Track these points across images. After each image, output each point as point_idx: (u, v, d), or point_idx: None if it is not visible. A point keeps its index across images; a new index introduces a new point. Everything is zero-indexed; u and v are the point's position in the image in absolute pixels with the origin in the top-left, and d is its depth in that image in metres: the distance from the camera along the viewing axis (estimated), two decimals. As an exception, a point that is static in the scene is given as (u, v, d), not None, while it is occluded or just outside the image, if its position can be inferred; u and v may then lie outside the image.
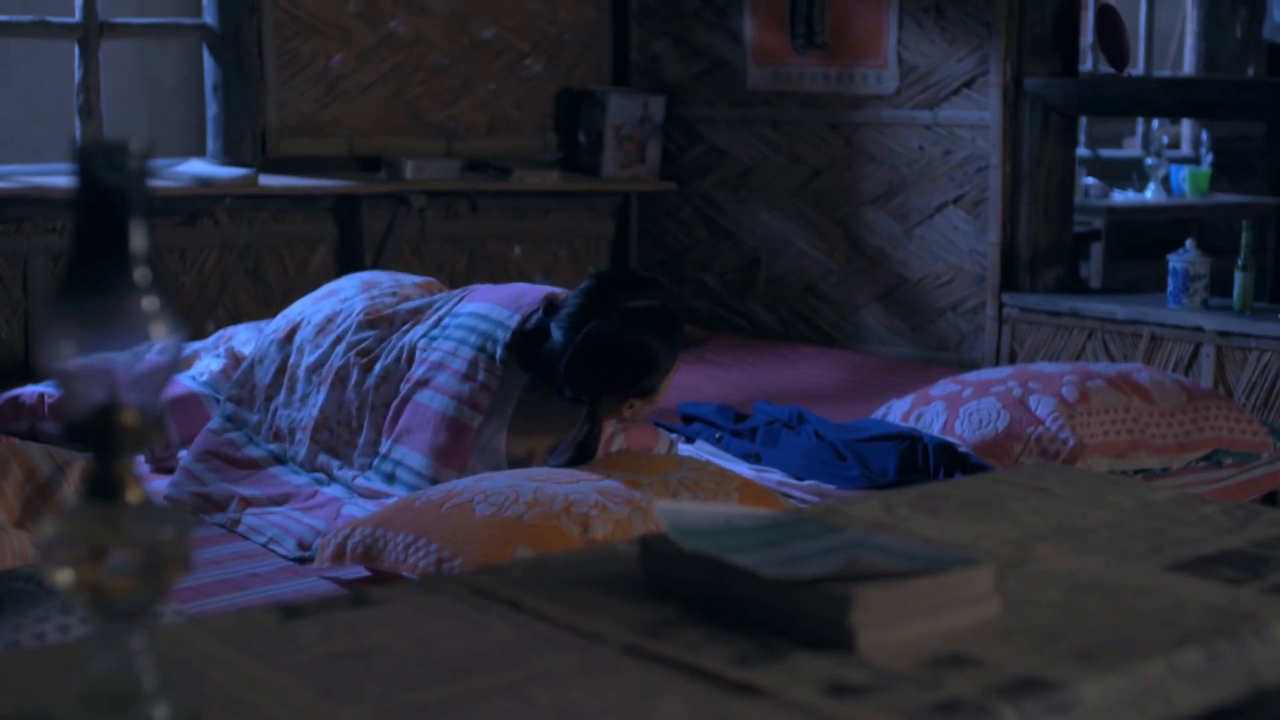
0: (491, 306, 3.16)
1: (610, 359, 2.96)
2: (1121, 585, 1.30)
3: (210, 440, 3.32)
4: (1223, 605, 1.24)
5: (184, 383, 3.64)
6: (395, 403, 3.14)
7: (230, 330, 3.96)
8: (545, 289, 3.18)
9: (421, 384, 3.12)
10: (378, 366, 3.22)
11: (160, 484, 3.29)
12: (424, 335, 3.21)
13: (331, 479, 3.18)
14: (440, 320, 3.22)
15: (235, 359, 3.72)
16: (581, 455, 2.98)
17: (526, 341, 3.05)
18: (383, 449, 3.11)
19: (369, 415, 3.18)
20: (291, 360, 3.36)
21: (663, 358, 3.01)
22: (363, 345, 3.27)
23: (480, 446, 3.02)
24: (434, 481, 2.96)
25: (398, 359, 3.21)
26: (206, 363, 3.76)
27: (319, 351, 3.31)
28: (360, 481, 3.09)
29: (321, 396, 3.25)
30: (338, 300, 3.44)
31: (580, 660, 1.12)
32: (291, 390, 3.32)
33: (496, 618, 1.21)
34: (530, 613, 1.22)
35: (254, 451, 3.29)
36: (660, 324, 3.02)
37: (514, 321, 3.09)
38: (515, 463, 3.01)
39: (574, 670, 1.10)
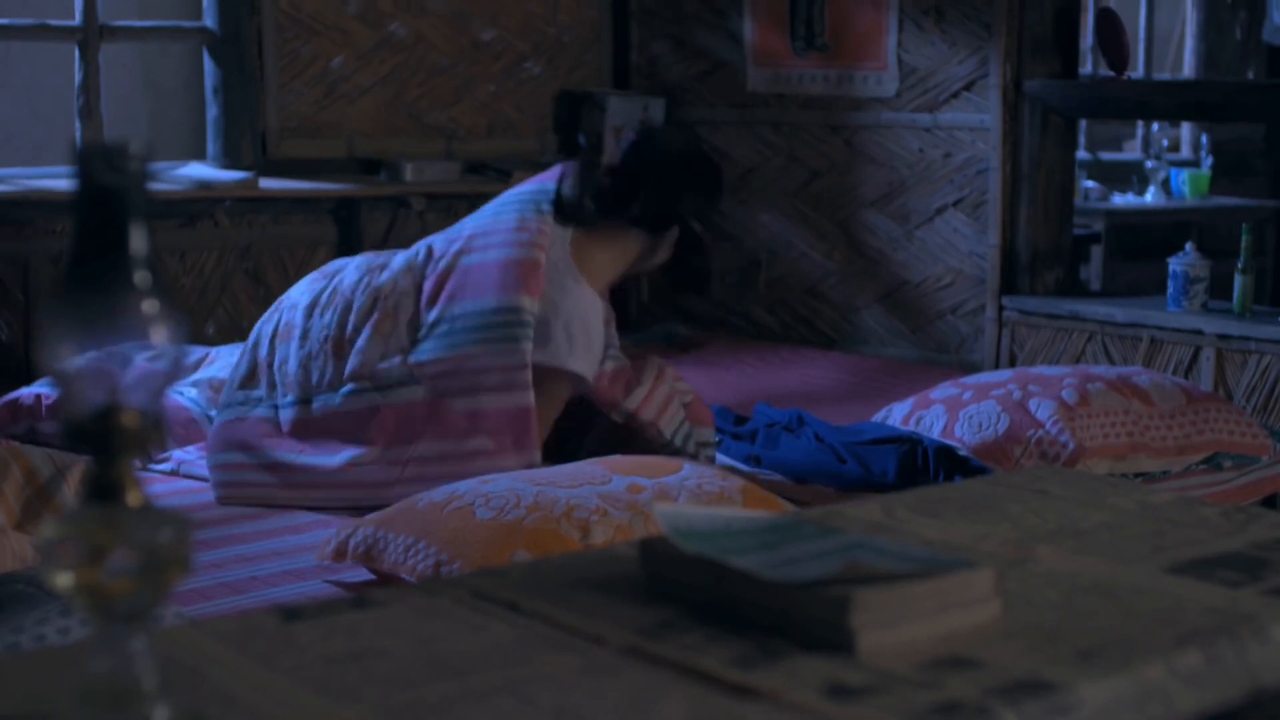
0: (520, 189, 3.26)
1: (693, 168, 3.23)
2: (1121, 587, 1.30)
3: (231, 432, 3.29)
4: (1222, 607, 1.24)
5: (176, 399, 3.62)
6: (433, 277, 3.16)
7: (214, 353, 3.94)
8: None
9: (464, 252, 3.16)
10: (396, 261, 3.26)
11: (161, 487, 3.31)
12: (443, 235, 3.26)
13: (376, 383, 3.15)
14: (454, 228, 3.30)
15: (214, 387, 3.68)
16: (698, 280, 3.25)
17: (569, 198, 3.20)
18: (428, 319, 3.11)
19: (400, 302, 3.18)
20: (284, 318, 3.33)
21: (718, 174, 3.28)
22: (372, 269, 3.31)
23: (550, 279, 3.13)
24: (510, 314, 3.07)
25: (415, 256, 3.25)
26: (185, 386, 3.72)
27: (321, 293, 3.32)
28: (412, 360, 3.11)
29: (331, 315, 3.24)
30: (326, 277, 3.43)
31: (581, 662, 1.12)
32: (289, 337, 3.29)
33: (496, 620, 1.21)
34: (530, 615, 1.22)
35: (283, 414, 3.25)
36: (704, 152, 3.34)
37: (551, 186, 3.23)
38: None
39: (574, 672, 1.10)
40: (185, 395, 3.67)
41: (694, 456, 3.27)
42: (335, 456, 3.15)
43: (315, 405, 3.21)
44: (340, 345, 3.22)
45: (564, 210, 3.22)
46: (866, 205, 5.45)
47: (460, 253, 3.19)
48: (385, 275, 3.26)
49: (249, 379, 3.32)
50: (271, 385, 3.28)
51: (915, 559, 1.22)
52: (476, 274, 3.15)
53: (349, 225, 5.29)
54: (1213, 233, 7.00)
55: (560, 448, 3.30)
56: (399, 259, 3.29)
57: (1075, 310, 4.86)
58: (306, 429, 3.21)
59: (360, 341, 3.20)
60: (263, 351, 3.33)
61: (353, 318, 3.23)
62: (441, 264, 3.19)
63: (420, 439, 3.12)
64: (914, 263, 5.34)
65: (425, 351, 3.13)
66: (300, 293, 3.37)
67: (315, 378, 3.23)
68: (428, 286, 3.19)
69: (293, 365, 3.26)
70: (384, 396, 3.15)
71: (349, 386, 3.18)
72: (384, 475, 3.12)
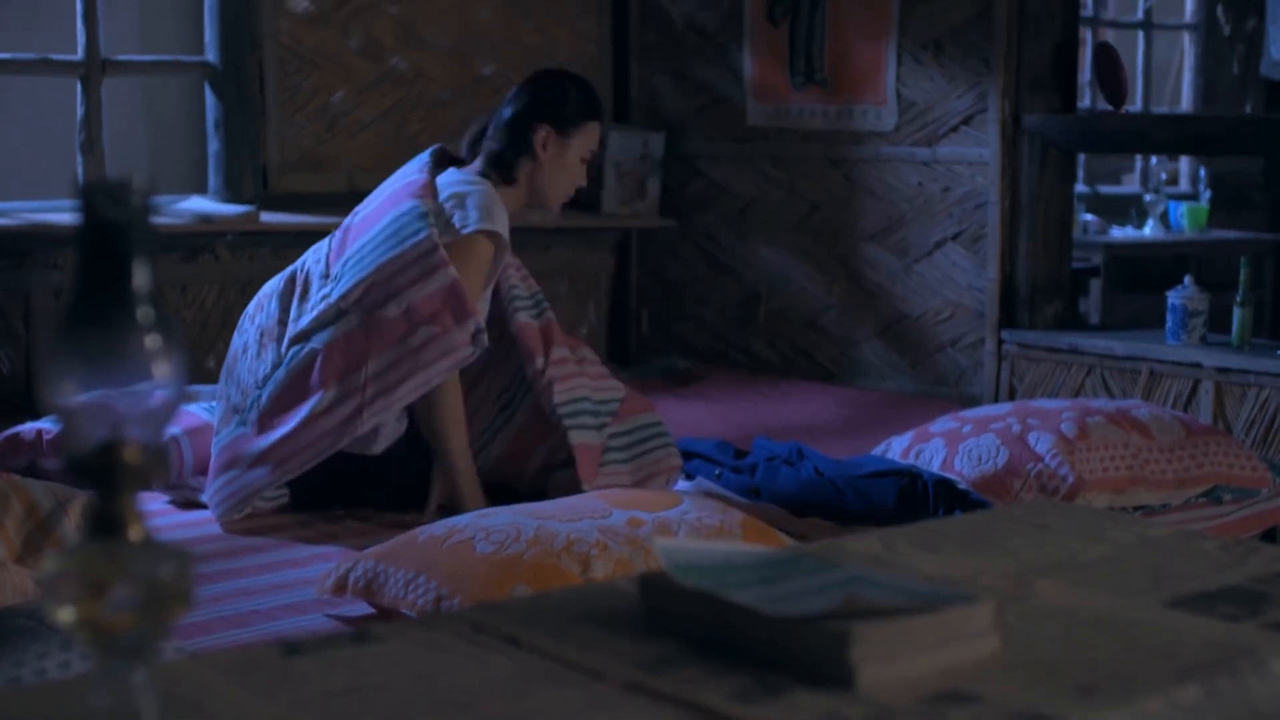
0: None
1: (528, 86, 3.51)
2: (1121, 620, 1.30)
3: (220, 460, 3.36)
4: (1222, 641, 1.24)
5: (198, 413, 3.66)
6: (337, 242, 3.39)
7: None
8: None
9: (354, 214, 3.45)
10: (306, 252, 3.50)
11: (188, 516, 3.35)
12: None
13: (309, 335, 3.31)
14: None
15: None
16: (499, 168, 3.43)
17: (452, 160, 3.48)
18: (337, 268, 3.32)
19: (312, 270, 3.42)
20: (229, 354, 3.51)
21: (574, 89, 3.49)
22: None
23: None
24: (406, 215, 3.28)
25: (320, 244, 3.48)
26: (211, 402, 3.80)
27: (248, 308, 3.55)
28: (335, 298, 3.29)
29: (261, 314, 3.44)
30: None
31: (581, 696, 1.12)
32: (235, 361, 3.47)
33: (497, 654, 1.21)
34: (530, 649, 1.22)
35: (249, 419, 3.36)
36: (573, 75, 3.61)
37: (427, 154, 3.49)
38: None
39: (575, 707, 1.10)
40: (200, 405, 3.72)
41: (563, 430, 3.47)
42: (296, 417, 3.27)
43: (265, 391, 3.33)
44: (273, 330, 3.39)
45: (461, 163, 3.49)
46: (866, 239, 5.46)
47: (352, 215, 3.48)
48: (297, 262, 3.50)
49: (221, 423, 3.44)
50: (236, 410, 3.36)
51: (915, 593, 1.22)
52: (369, 216, 3.40)
53: (349, 259, 5.30)
54: (1211, 266, 7.01)
55: (499, 399, 3.62)
56: (308, 251, 3.51)
57: (1074, 343, 4.87)
58: (270, 415, 3.33)
59: (290, 315, 3.37)
60: (223, 395, 3.48)
61: (276, 303, 3.41)
62: (339, 232, 3.45)
63: (368, 360, 3.25)
64: (913, 296, 5.35)
65: (343, 285, 3.30)
66: (235, 331, 3.56)
67: (262, 371, 3.37)
68: (334, 247, 3.41)
69: (246, 377, 3.40)
70: (320, 340, 3.29)
71: (290, 353, 3.32)
72: (349, 408, 3.25)
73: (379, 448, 3.38)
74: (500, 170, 3.42)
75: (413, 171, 3.42)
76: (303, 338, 3.31)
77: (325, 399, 3.24)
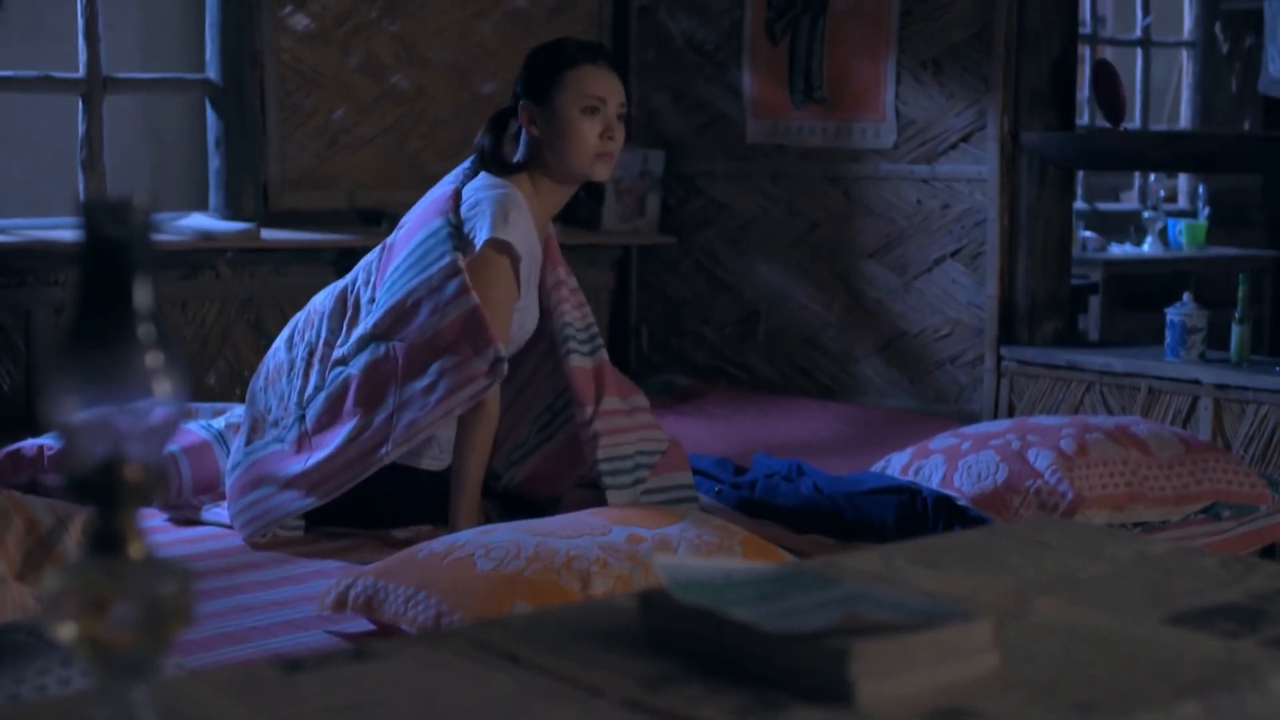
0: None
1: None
2: (1120, 638, 1.30)
3: (247, 476, 3.33)
4: (1221, 658, 1.25)
5: (196, 431, 3.66)
6: (379, 262, 3.36)
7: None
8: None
9: (400, 229, 3.39)
10: (357, 265, 3.45)
11: (188, 532, 3.34)
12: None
13: (345, 361, 3.29)
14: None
15: (234, 427, 3.75)
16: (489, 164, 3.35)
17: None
18: (378, 296, 3.31)
19: (360, 293, 3.38)
20: (269, 365, 3.47)
21: (534, 57, 3.38)
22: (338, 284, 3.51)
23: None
24: (431, 236, 3.23)
25: (371, 257, 3.43)
26: (209, 420, 3.79)
27: (296, 323, 3.51)
28: (369, 325, 3.26)
29: (311, 332, 3.42)
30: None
31: (580, 714, 1.12)
32: (279, 378, 3.44)
33: (497, 671, 1.21)
34: (530, 666, 1.22)
35: (289, 437, 3.35)
36: (569, 39, 3.48)
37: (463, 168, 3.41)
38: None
39: (574, 723, 1.10)
40: (198, 422, 3.71)
41: (602, 488, 3.34)
42: (332, 443, 3.25)
43: (309, 412, 3.32)
44: (321, 350, 3.36)
45: (497, 163, 3.39)
46: (865, 256, 5.47)
47: (396, 230, 3.42)
48: (347, 278, 3.45)
49: (252, 434, 3.39)
50: (275, 424, 3.34)
51: (914, 610, 1.22)
52: (404, 235, 3.35)
53: (349, 276, 5.30)
54: (1210, 283, 7.02)
55: (540, 417, 3.57)
56: (358, 267, 3.46)
57: (1073, 360, 4.87)
58: (310, 437, 3.32)
59: (338, 339, 3.35)
60: (259, 404, 3.42)
61: (327, 324, 3.38)
62: (382, 250, 3.41)
63: (395, 388, 3.23)
64: (912, 313, 5.36)
65: (375, 312, 3.28)
66: (279, 340, 3.51)
67: (308, 391, 3.35)
68: (377, 268, 3.38)
69: (290, 394, 3.38)
70: (356, 366, 3.27)
71: (330, 377, 3.31)
72: (379, 436, 3.23)
73: (439, 464, 3.36)
74: (493, 166, 3.35)
75: (447, 182, 3.38)
76: (342, 362, 3.29)
77: (356, 426, 3.23)
